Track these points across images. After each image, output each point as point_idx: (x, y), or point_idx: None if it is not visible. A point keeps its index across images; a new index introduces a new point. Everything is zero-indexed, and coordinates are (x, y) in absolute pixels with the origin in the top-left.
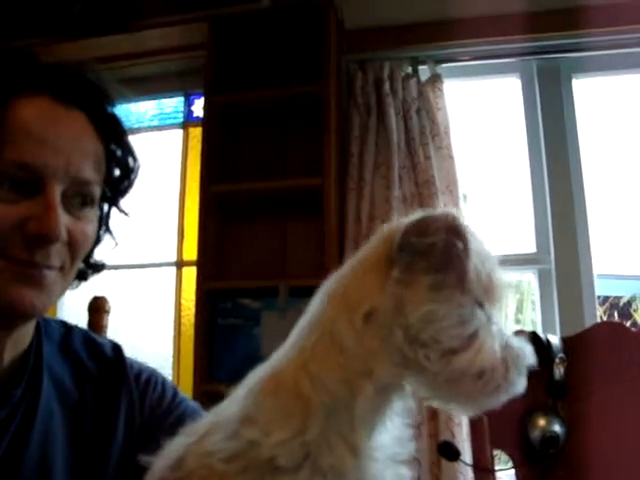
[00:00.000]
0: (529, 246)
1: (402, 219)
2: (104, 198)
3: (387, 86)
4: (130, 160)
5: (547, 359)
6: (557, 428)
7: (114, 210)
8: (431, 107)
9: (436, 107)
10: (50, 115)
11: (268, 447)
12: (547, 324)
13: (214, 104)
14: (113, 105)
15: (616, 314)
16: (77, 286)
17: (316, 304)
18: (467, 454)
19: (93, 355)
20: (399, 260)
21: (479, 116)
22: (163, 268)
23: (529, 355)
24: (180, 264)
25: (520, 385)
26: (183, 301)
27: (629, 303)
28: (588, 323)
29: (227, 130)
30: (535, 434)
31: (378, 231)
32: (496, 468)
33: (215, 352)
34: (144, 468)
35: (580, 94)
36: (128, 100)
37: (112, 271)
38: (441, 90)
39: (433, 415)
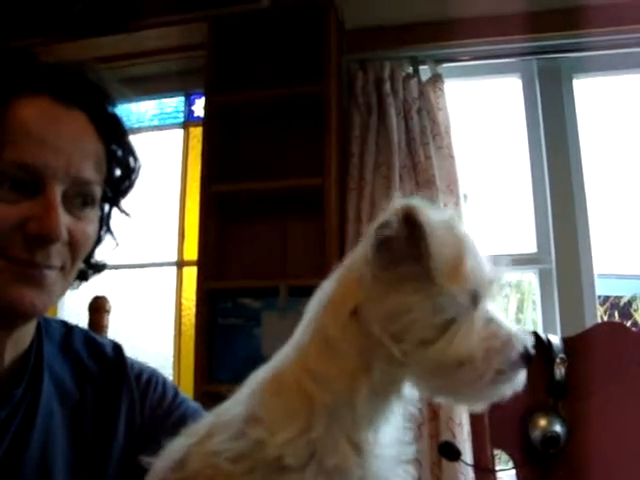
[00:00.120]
0: (530, 246)
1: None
2: (105, 198)
3: (388, 86)
4: (131, 160)
5: (548, 359)
6: (558, 428)
7: (115, 210)
8: (432, 107)
9: (437, 107)
10: (50, 115)
11: (275, 446)
12: (548, 324)
13: (214, 104)
14: (114, 105)
15: (616, 314)
16: (78, 286)
17: (313, 304)
18: (468, 454)
19: (94, 355)
20: (374, 256)
21: (480, 116)
22: (164, 268)
23: (520, 345)
24: (180, 264)
25: (511, 375)
26: (184, 301)
27: (629, 303)
28: (589, 323)
29: (228, 130)
30: (536, 434)
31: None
32: (497, 468)
33: (215, 352)
34: (144, 468)
35: (581, 94)
36: (129, 100)
37: (113, 271)
38: (442, 90)
39: (434, 415)
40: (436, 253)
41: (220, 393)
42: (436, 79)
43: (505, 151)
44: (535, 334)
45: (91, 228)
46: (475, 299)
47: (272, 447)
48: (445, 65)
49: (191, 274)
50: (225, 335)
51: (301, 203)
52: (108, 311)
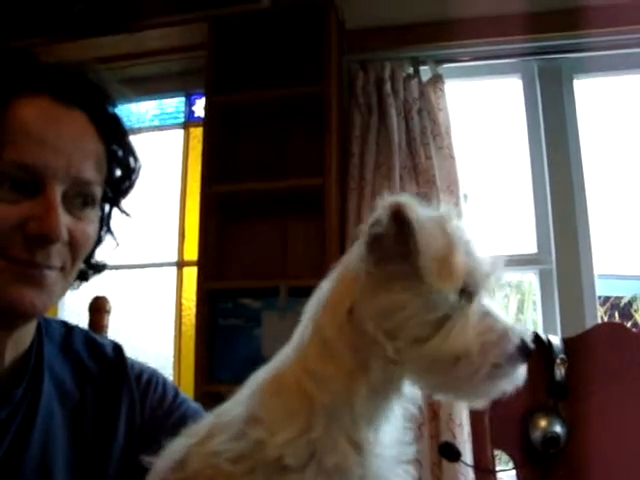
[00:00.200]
0: (530, 246)
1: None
2: (105, 198)
3: (388, 86)
4: (131, 160)
5: (548, 360)
6: (558, 429)
7: (115, 210)
8: (432, 107)
9: (437, 107)
10: (50, 115)
11: (274, 447)
12: (548, 324)
13: (215, 104)
14: (114, 105)
15: (617, 314)
16: (78, 286)
17: (312, 304)
18: (468, 455)
19: (94, 355)
20: (366, 254)
21: (480, 116)
22: (164, 268)
23: (517, 338)
24: (181, 264)
25: (509, 369)
26: (184, 301)
27: (630, 303)
28: (589, 323)
29: (228, 130)
30: (536, 435)
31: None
32: (497, 469)
33: (216, 352)
34: (145, 469)
35: (581, 94)
36: (129, 100)
37: (113, 271)
38: (442, 90)
39: (434, 416)
40: (424, 250)
41: (220, 393)
42: (437, 79)
43: (505, 151)
44: (535, 334)
45: (91, 228)
46: (469, 294)
47: (272, 447)
48: (446, 65)
49: (191, 274)
50: (225, 335)
51: (301, 203)
52: (108, 311)
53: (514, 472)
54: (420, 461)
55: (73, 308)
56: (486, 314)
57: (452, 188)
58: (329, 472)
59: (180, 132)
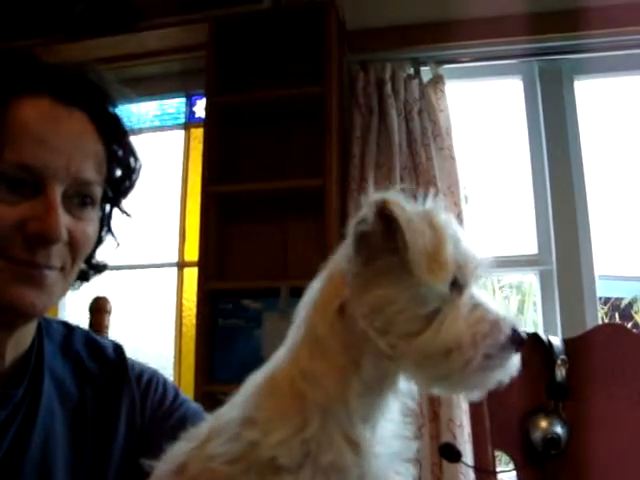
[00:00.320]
0: (531, 247)
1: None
2: (106, 199)
3: (389, 87)
4: (132, 160)
5: (549, 360)
6: (559, 429)
7: (116, 211)
8: (433, 108)
9: (438, 108)
10: (51, 115)
11: (267, 447)
12: (548, 325)
13: (216, 105)
14: (114, 105)
15: (617, 315)
16: (79, 287)
17: (303, 304)
18: (469, 455)
19: (94, 356)
20: (354, 253)
21: (481, 117)
22: (164, 269)
23: (508, 328)
24: (181, 265)
25: (501, 359)
26: (184, 302)
27: (630, 305)
28: (589, 324)
29: (229, 131)
30: (537, 435)
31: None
32: (497, 469)
33: (216, 353)
34: (145, 469)
35: (582, 95)
36: (130, 101)
37: (114, 272)
38: (443, 91)
39: (434, 416)
40: (412, 245)
41: (221, 394)
42: (437, 80)
43: (506, 152)
44: (536, 335)
45: (91, 228)
46: (460, 286)
47: (265, 448)
48: (446, 66)
49: (192, 275)
50: (226, 336)
51: (302, 204)
52: (109, 312)
53: (515, 473)
54: (420, 462)
55: (74, 308)
56: (477, 305)
57: (453, 189)
58: (325, 471)
59: (181, 133)
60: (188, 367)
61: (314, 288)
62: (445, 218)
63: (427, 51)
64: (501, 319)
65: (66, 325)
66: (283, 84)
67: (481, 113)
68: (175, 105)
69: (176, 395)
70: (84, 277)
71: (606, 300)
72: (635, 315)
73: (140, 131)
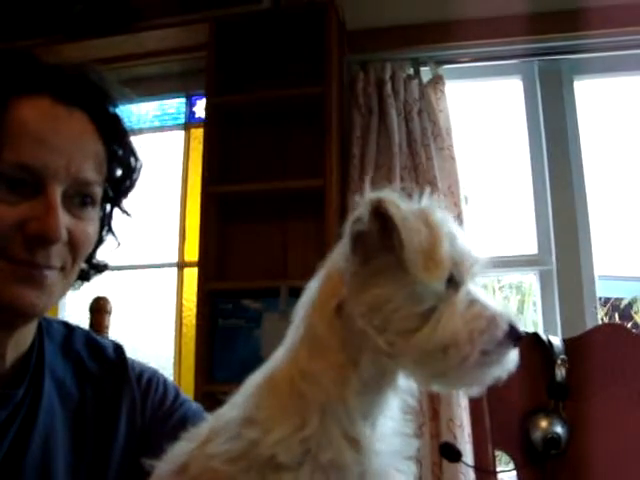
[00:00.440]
0: (530, 247)
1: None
2: (106, 198)
3: (389, 87)
4: (132, 160)
5: (549, 360)
6: (559, 429)
7: (116, 210)
8: (433, 108)
9: (438, 108)
10: (50, 115)
11: (267, 445)
12: (548, 325)
13: (215, 105)
14: (114, 105)
15: (617, 316)
16: (79, 287)
17: (302, 304)
18: (469, 455)
19: (95, 356)
20: (351, 252)
21: (481, 118)
22: (164, 269)
23: (505, 323)
24: (181, 265)
25: (498, 355)
26: (184, 302)
27: (630, 305)
28: (589, 324)
29: (229, 131)
30: (537, 435)
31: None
32: (498, 469)
33: (216, 353)
34: (145, 470)
35: (582, 96)
36: (130, 101)
37: (114, 272)
38: (443, 91)
39: (435, 416)
40: (408, 244)
41: (221, 394)
42: (437, 80)
43: (506, 153)
44: (536, 335)
45: (91, 228)
46: (456, 283)
47: (265, 446)
48: (446, 66)
49: (192, 275)
50: (226, 336)
51: (302, 204)
52: (109, 312)
53: (515, 473)
54: (421, 461)
55: (74, 308)
56: (473, 302)
57: (453, 189)
58: (325, 468)
59: (181, 133)
60: (188, 367)
61: (312, 288)
62: (441, 216)
63: (427, 51)
64: (498, 315)
65: (66, 325)
66: (283, 84)
67: (481, 113)
68: (175, 105)
69: (177, 395)
70: (84, 277)
71: (606, 300)
72: (635, 315)
73: (140, 131)
